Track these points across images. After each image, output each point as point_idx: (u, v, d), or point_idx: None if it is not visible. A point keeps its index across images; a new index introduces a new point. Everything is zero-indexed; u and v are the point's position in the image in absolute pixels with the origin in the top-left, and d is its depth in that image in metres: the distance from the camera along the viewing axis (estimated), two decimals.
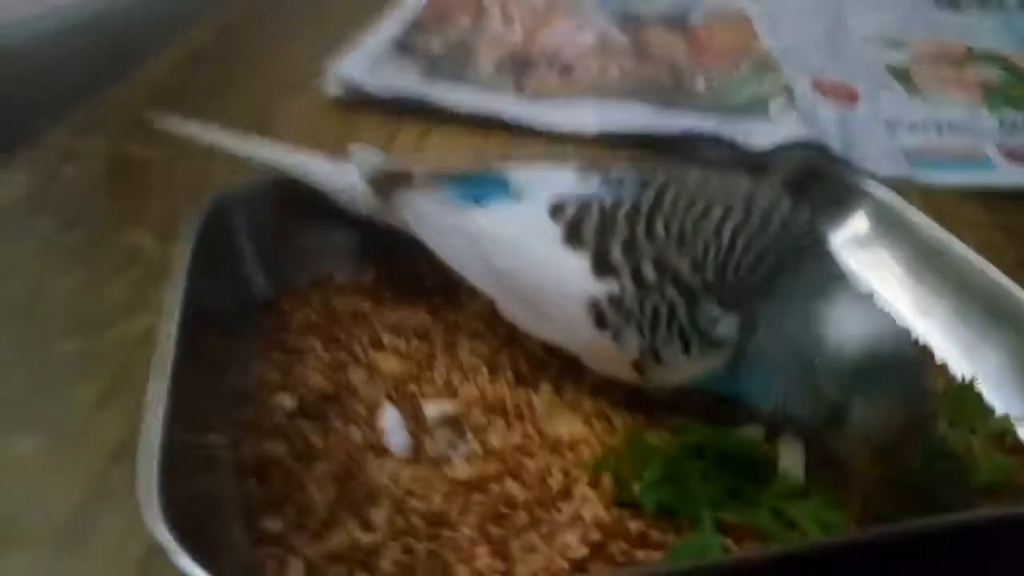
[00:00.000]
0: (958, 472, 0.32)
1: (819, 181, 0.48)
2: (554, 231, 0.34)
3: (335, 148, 0.39)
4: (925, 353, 0.40)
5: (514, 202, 0.36)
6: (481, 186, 0.37)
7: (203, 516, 0.27)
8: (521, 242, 0.35)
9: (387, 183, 0.38)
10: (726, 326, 0.31)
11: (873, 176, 0.58)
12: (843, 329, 0.29)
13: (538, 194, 0.36)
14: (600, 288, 0.33)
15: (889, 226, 0.45)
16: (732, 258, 0.31)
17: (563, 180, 0.36)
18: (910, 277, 0.43)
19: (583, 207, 0.34)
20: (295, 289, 0.40)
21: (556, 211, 0.34)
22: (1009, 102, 0.73)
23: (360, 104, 0.62)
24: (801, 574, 0.29)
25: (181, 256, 0.36)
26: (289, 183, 0.41)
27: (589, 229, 0.33)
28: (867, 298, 0.31)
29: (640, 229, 0.32)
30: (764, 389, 0.31)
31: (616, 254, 0.32)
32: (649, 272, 0.32)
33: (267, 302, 0.40)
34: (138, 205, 0.48)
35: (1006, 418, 0.36)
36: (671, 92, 0.67)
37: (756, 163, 0.55)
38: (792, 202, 0.32)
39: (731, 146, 0.60)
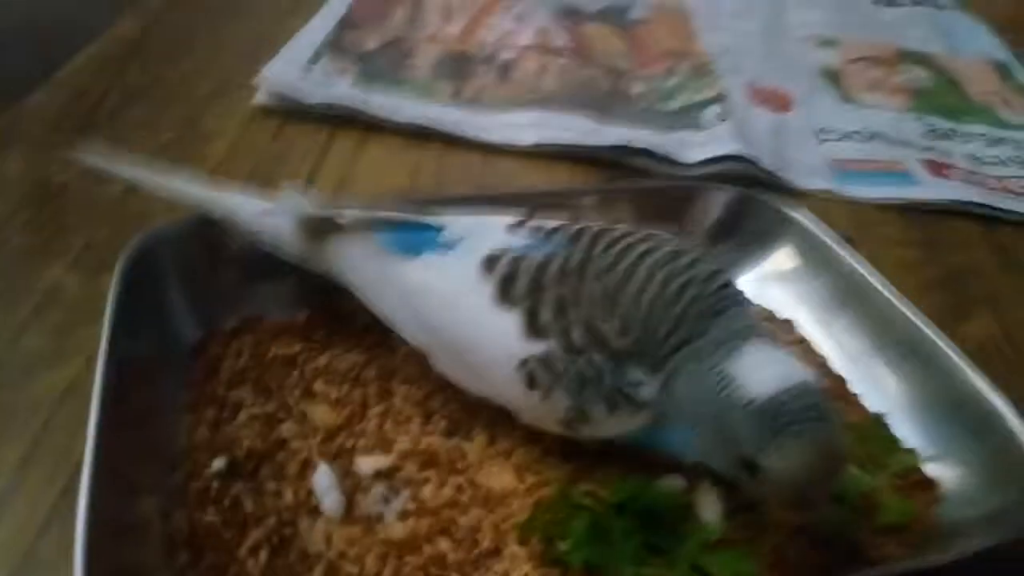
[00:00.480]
0: (864, 515, 0.34)
1: (749, 211, 0.49)
2: (486, 288, 0.34)
3: (267, 161, 0.38)
4: (842, 390, 0.42)
5: (447, 254, 0.36)
6: (413, 235, 0.37)
7: None
8: (453, 298, 0.35)
9: (315, 229, 0.38)
10: (649, 388, 0.32)
11: (801, 192, 0.61)
12: (751, 383, 0.30)
13: (471, 246, 0.36)
14: (531, 349, 0.33)
15: (814, 259, 0.47)
16: (654, 322, 0.32)
17: (496, 231, 0.36)
18: (831, 310, 0.45)
19: (514, 263, 0.34)
20: (225, 332, 0.40)
21: (488, 266, 0.35)
22: (936, 109, 0.75)
23: (293, 111, 0.61)
24: None
25: (106, 301, 0.36)
26: (218, 222, 0.40)
27: (521, 288, 0.34)
28: (776, 350, 0.32)
29: (570, 292, 0.33)
30: (685, 443, 0.33)
31: (547, 317, 0.33)
32: (578, 336, 0.33)
33: (196, 346, 0.39)
34: (57, 237, 0.46)
35: (913, 454, 0.38)
36: (608, 98, 0.68)
37: (689, 186, 0.55)
38: (709, 263, 0.33)
39: (664, 159, 0.60)
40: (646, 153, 0.61)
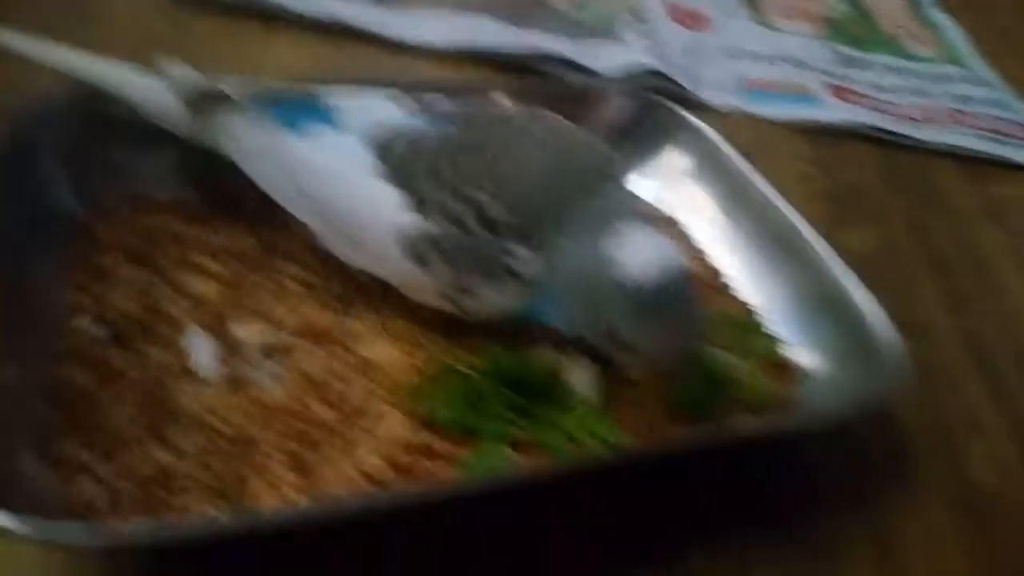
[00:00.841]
0: (722, 391, 0.36)
1: (649, 115, 0.50)
2: (368, 162, 0.34)
3: (163, 50, 0.37)
4: (718, 283, 0.43)
5: (332, 130, 0.36)
6: (301, 111, 0.37)
7: None
8: (336, 171, 0.35)
9: (203, 103, 0.37)
10: (526, 260, 0.33)
11: (709, 108, 0.62)
12: (627, 264, 0.31)
13: (357, 123, 0.36)
14: (411, 222, 0.34)
15: (706, 163, 0.48)
16: (532, 195, 0.33)
17: (381, 108, 0.36)
18: (718, 212, 0.47)
19: (397, 139, 0.34)
20: (109, 209, 0.39)
21: (371, 141, 0.35)
22: (846, 38, 0.77)
23: (197, 2, 0.59)
24: (573, 484, 0.32)
25: None
26: (101, 93, 0.39)
27: (404, 163, 0.34)
28: (653, 234, 0.33)
29: (452, 165, 0.33)
30: (560, 315, 0.34)
31: (428, 190, 0.33)
32: (457, 208, 0.33)
33: (79, 223, 0.38)
34: None
35: (779, 342, 0.41)
36: (526, 5, 0.67)
37: (592, 87, 0.56)
38: (592, 140, 0.34)
39: (579, 69, 0.61)
40: (561, 61, 0.61)
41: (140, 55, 0.39)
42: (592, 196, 0.33)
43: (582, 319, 0.33)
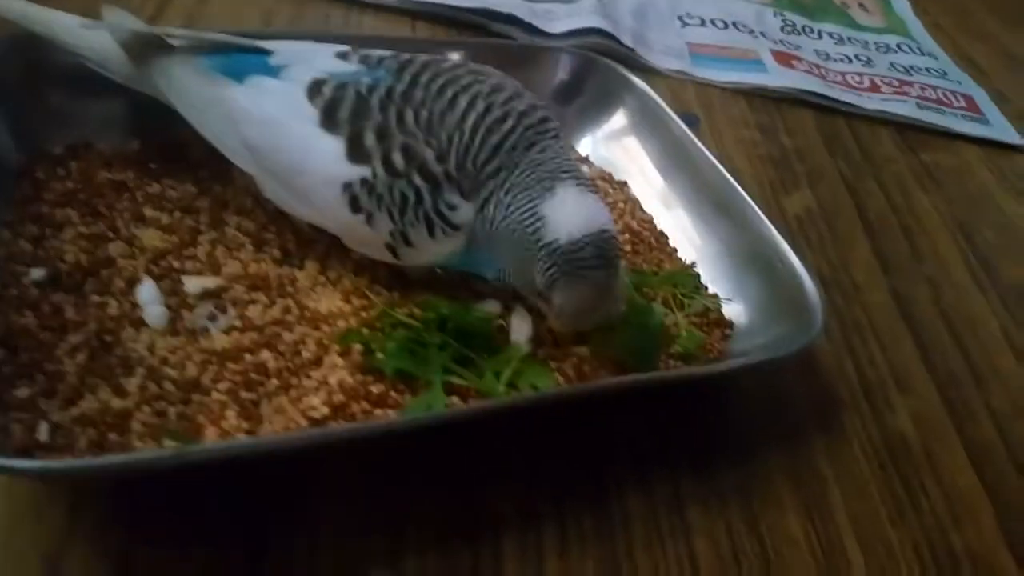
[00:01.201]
0: (657, 343, 0.38)
1: (594, 75, 0.51)
2: (311, 112, 0.35)
3: (96, 9, 0.37)
4: (661, 244, 0.45)
5: (273, 79, 0.36)
6: (241, 60, 0.37)
7: None
8: (278, 122, 0.35)
9: (141, 49, 0.37)
10: (464, 212, 0.34)
11: (656, 71, 0.63)
12: (555, 224, 0.32)
13: (298, 73, 0.36)
14: (354, 172, 0.34)
15: (650, 123, 0.49)
16: (472, 149, 0.34)
17: (324, 58, 0.37)
18: (660, 172, 0.48)
19: (340, 89, 0.35)
20: (52, 157, 0.39)
21: (314, 92, 0.35)
22: (795, 6, 0.78)
23: None
24: (498, 424, 0.34)
25: None
26: (42, 39, 0.39)
27: (344, 113, 0.34)
28: (584, 194, 0.33)
29: (392, 116, 0.34)
30: (490, 265, 0.35)
31: (369, 140, 0.34)
32: (399, 160, 0.34)
33: (19, 170, 0.38)
34: None
35: (714, 297, 0.43)
36: None
37: (537, 46, 0.57)
38: (528, 99, 0.35)
39: (530, 29, 0.61)
40: (511, 20, 0.61)
41: (79, 5, 0.39)
42: (531, 153, 0.34)
43: (514, 273, 0.34)
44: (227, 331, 0.34)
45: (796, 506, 0.36)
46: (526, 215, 0.32)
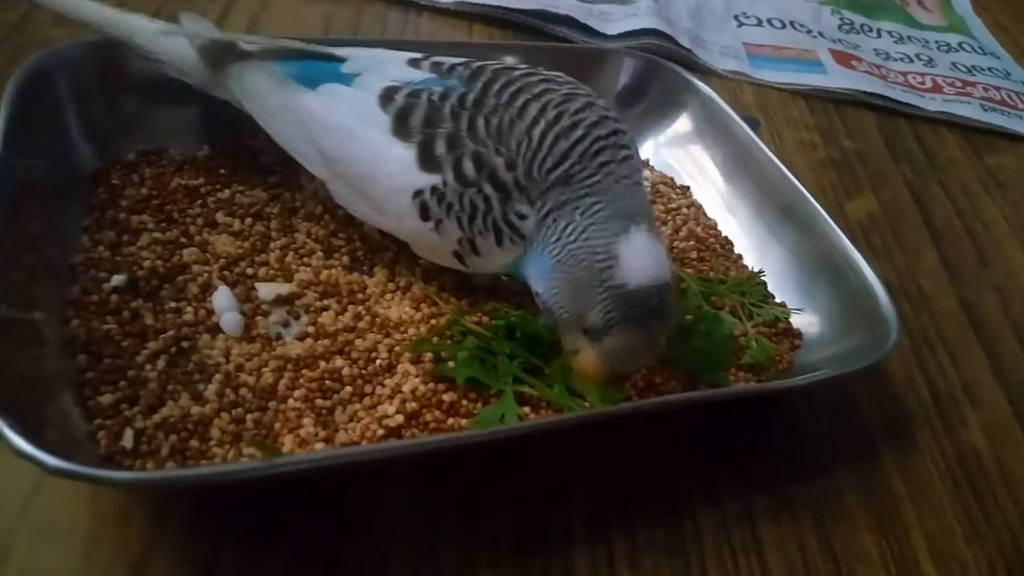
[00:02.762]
0: (727, 353, 0.37)
1: (656, 79, 0.50)
2: (383, 120, 0.35)
3: (164, 12, 0.37)
4: (727, 251, 0.44)
5: (346, 87, 0.36)
6: (315, 67, 0.37)
7: (31, 392, 0.29)
8: (351, 129, 0.35)
9: (218, 55, 0.37)
10: (531, 220, 0.34)
11: (713, 72, 0.62)
12: (626, 269, 0.31)
13: (371, 80, 0.36)
14: (424, 180, 0.34)
15: (713, 128, 0.49)
16: (539, 156, 0.33)
17: (396, 66, 0.37)
18: (724, 177, 0.48)
19: (412, 97, 0.35)
20: (126, 163, 0.40)
21: (386, 100, 0.35)
22: (852, 4, 0.77)
23: None
24: (578, 438, 0.34)
25: None
26: (118, 47, 0.39)
27: (416, 121, 0.34)
28: (655, 242, 0.32)
29: (463, 124, 0.34)
30: (541, 279, 0.34)
31: (440, 148, 0.34)
32: (469, 168, 0.34)
33: (95, 175, 0.39)
34: None
35: (782, 307, 0.42)
36: None
37: (599, 49, 0.56)
38: (600, 109, 0.35)
39: (587, 30, 0.61)
40: (568, 22, 0.61)
41: (149, 8, 0.39)
42: (597, 160, 0.33)
43: (565, 300, 0.33)
44: (301, 338, 0.35)
45: (868, 522, 0.36)
46: (599, 251, 0.32)
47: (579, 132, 0.33)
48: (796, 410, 0.39)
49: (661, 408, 0.33)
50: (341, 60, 0.37)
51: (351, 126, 0.35)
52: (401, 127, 0.35)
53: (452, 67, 0.36)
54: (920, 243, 0.53)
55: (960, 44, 0.75)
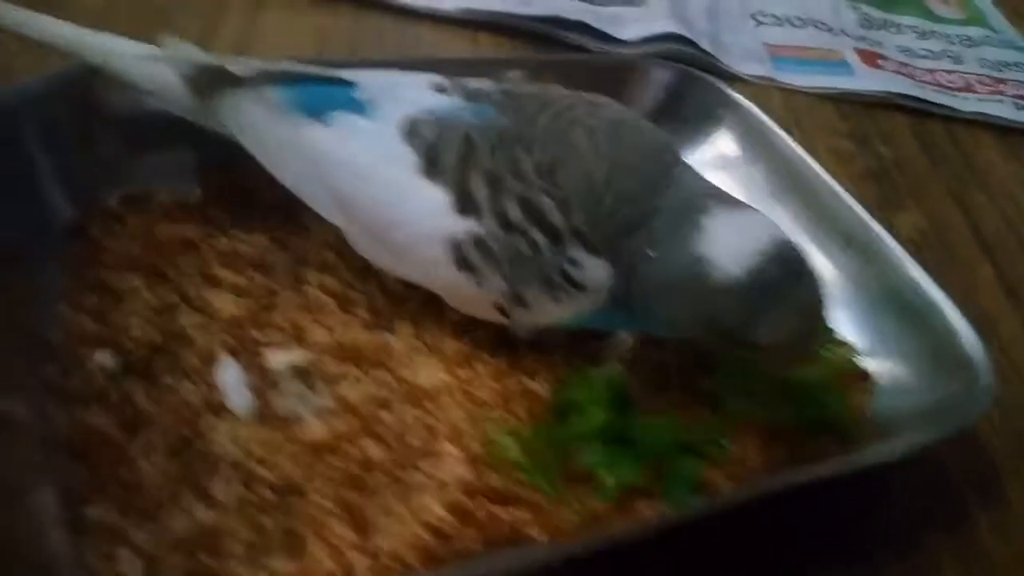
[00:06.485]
0: (801, 409, 0.33)
1: (691, 91, 0.46)
2: (409, 158, 0.30)
3: (149, 17, 0.32)
4: None
5: (362, 118, 0.31)
6: (321, 93, 0.32)
7: (6, 507, 0.24)
8: (370, 168, 0.31)
9: (206, 82, 0.32)
10: (593, 269, 0.29)
11: (737, 77, 0.58)
12: (724, 260, 0.27)
13: (390, 109, 0.31)
14: (461, 226, 0.30)
15: (754, 144, 0.45)
16: (599, 197, 0.29)
17: (419, 92, 0.32)
18: (770, 198, 0.43)
19: (443, 130, 0.30)
20: (107, 211, 0.35)
21: (411, 133, 0.31)
22: None
23: None
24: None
25: None
26: (92, 77, 0.34)
27: (449, 158, 0.30)
28: (737, 211, 0.29)
29: (506, 161, 0.29)
30: (659, 320, 0.30)
31: (479, 190, 0.29)
32: (515, 213, 0.29)
33: (73, 228, 0.34)
34: None
35: (849, 347, 0.38)
36: None
37: (628, 61, 0.52)
38: (651, 129, 0.31)
39: (599, 35, 0.56)
40: (580, 27, 0.56)
41: (125, 25, 0.34)
42: (663, 192, 0.29)
43: (687, 322, 0.29)
44: (320, 415, 0.30)
45: None
46: (684, 259, 0.28)
47: (640, 165, 0.29)
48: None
49: (752, 497, 0.29)
50: (351, 84, 0.32)
51: (370, 164, 0.31)
52: (431, 165, 0.30)
53: (483, 92, 0.31)
54: (974, 259, 0.49)
55: (981, 37, 0.72)
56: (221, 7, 0.51)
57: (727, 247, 0.27)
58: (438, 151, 0.30)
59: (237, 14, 0.51)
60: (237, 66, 0.33)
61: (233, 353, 0.31)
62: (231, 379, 0.30)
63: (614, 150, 0.29)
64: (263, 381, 0.30)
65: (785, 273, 0.28)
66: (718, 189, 0.30)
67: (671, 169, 0.30)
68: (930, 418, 0.33)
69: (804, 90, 0.59)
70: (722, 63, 0.58)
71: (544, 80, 0.43)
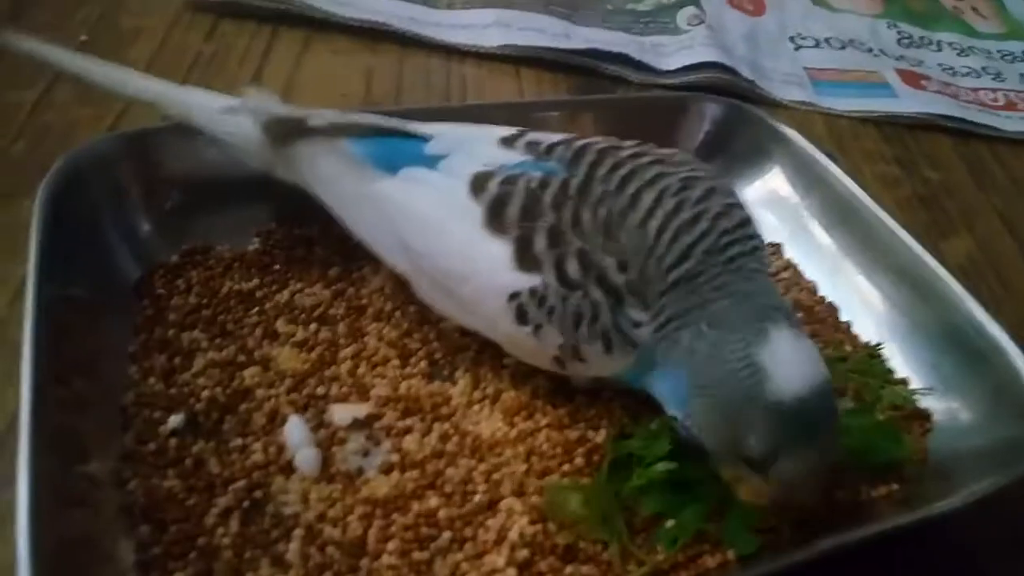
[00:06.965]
0: (859, 455, 0.33)
1: (739, 126, 0.45)
2: (475, 212, 0.31)
3: (200, 65, 0.33)
4: (834, 320, 0.40)
5: (432, 171, 0.32)
6: (394, 147, 0.33)
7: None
8: (438, 221, 0.31)
9: (283, 133, 0.33)
10: (647, 325, 0.29)
11: (777, 103, 0.58)
12: (777, 378, 0.26)
13: (459, 164, 0.32)
14: (522, 281, 0.30)
15: (803, 178, 0.44)
16: (656, 253, 0.29)
17: (486, 146, 0.33)
18: (820, 231, 0.43)
19: (507, 184, 0.31)
20: (169, 267, 0.35)
21: (477, 187, 0.31)
22: (906, 15, 0.72)
23: (227, 6, 0.54)
24: None
25: (29, 232, 0.31)
26: (153, 136, 0.35)
27: (513, 213, 0.30)
28: (802, 339, 0.28)
29: (567, 217, 0.30)
30: (678, 399, 0.29)
31: (540, 246, 0.30)
32: (574, 269, 0.29)
33: (138, 285, 0.34)
34: None
35: (906, 386, 0.37)
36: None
37: (676, 97, 0.52)
38: (725, 195, 0.30)
39: (640, 66, 0.56)
40: (620, 58, 0.56)
41: (177, 72, 0.35)
42: (721, 257, 0.29)
43: (708, 425, 0.28)
44: (385, 470, 0.30)
45: None
46: (741, 365, 0.27)
47: (703, 225, 0.29)
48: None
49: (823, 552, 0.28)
50: (423, 138, 0.33)
51: (439, 218, 0.31)
52: (495, 219, 0.30)
53: (551, 147, 0.32)
54: None
55: (1022, 52, 0.71)
56: (268, 51, 0.52)
57: (782, 366, 0.26)
58: (502, 205, 0.30)
59: (284, 57, 0.52)
60: (314, 117, 0.34)
61: (298, 410, 0.31)
62: (298, 438, 0.30)
63: (678, 209, 0.29)
64: (328, 437, 0.31)
65: (822, 415, 0.27)
66: (787, 302, 0.29)
67: (739, 244, 0.29)
68: (992, 460, 0.33)
69: (847, 114, 0.59)
70: (763, 90, 0.58)
71: (593, 118, 0.44)
